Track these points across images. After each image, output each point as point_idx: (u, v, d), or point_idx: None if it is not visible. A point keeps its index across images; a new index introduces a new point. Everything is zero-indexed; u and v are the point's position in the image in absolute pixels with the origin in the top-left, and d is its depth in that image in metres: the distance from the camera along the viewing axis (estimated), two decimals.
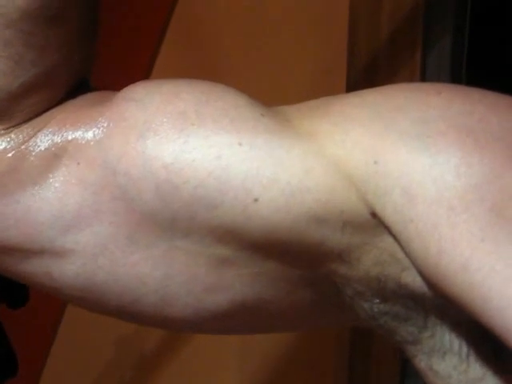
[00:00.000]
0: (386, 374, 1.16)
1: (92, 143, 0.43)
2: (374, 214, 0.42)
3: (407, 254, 0.42)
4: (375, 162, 0.41)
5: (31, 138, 0.44)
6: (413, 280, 0.43)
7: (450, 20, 1.11)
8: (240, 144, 0.42)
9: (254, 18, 1.26)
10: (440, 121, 0.41)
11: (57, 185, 0.43)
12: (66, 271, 0.45)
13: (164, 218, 0.43)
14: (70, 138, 0.44)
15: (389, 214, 0.41)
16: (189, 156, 0.42)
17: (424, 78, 1.12)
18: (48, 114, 0.44)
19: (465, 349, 0.44)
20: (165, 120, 0.42)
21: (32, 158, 0.43)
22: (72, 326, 1.49)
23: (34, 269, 0.45)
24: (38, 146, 0.43)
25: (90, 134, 0.43)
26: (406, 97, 0.43)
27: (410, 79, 1.12)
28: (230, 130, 0.42)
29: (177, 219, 0.43)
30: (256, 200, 0.42)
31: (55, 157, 0.43)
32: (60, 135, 0.44)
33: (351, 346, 1.18)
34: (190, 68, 1.29)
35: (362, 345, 1.18)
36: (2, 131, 0.44)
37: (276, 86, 1.24)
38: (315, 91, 1.20)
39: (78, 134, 0.44)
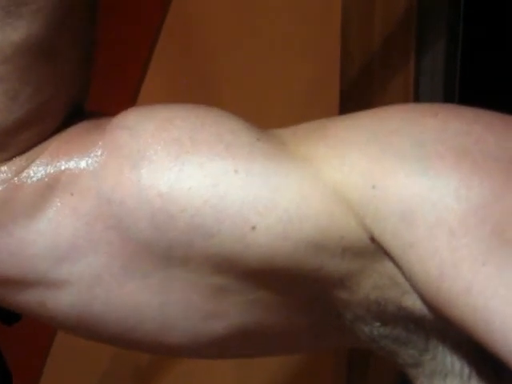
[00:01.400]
0: None
1: (85, 173, 0.43)
2: (373, 239, 0.41)
3: (407, 279, 0.41)
4: (373, 187, 0.40)
5: (24, 169, 0.43)
6: (413, 303, 0.42)
7: (443, 25, 1.10)
8: (236, 171, 0.41)
9: (246, 28, 1.26)
10: (438, 143, 0.40)
11: (50, 216, 0.43)
12: (62, 302, 0.44)
13: (160, 246, 0.42)
14: (63, 168, 0.43)
15: (388, 239, 0.40)
16: (184, 184, 0.41)
17: (418, 83, 1.12)
18: (41, 145, 0.44)
19: (466, 370, 0.43)
20: (159, 148, 0.42)
21: (25, 190, 0.43)
22: (67, 338, 1.48)
23: (28, 299, 0.45)
24: (31, 178, 0.43)
25: (83, 164, 0.43)
26: (402, 119, 0.42)
27: (404, 85, 1.12)
28: (225, 156, 0.41)
29: (173, 248, 0.42)
30: (253, 228, 0.41)
31: (48, 188, 0.43)
32: (53, 166, 0.43)
33: (349, 360, 1.18)
34: (180, 82, 1.28)
35: (360, 359, 1.17)
36: None
37: (269, 94, 1.24)
38: (308, 99, 1.20)
39: (71, 164, 0.43)
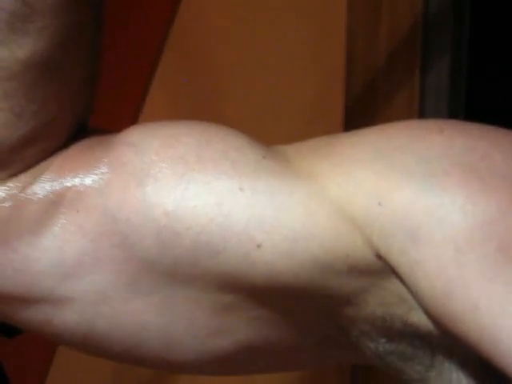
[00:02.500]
0: None
1: (91, 190, 0.43)
2: (379, 256, 0.41)
3: (414, 295, 0.41)
4: (379, 204, 0.40)
5: (29, 185, 0.43)
6: (419, 320, 0.42)
7: (448, 41, 1.10)
8: (241, 189, 0.41)
9: (250, 43, 1.26)
10: (444, 159, 0.40)
11: (55, 233, 0.43)
12: (67, 319, 0.44)
13: (165, 263, 0.42)
14: (68, 184, 0.43)
15: (395, 256, 0.40)
16: (190, 203, 0.41)
17: (423, 99, 1.12)
18: (46, 161, 0.43)
19: None
20: (164, 165, 0.42)
21: (30, 207, 0.43)
22: (68, 353, 1.48)
23: (33, 316, 0.44)
24: (36, 194, 0.43)
25: (88, 181, 0.43)
26: (408, 136, 0.42)
27: (409, 101, 1.12)
28: (231, 174, 0.42)
29: (179, 265, 0.42)
30: (259, 246, 0.41)
31: (53, 204, 0.43)
32: (58, 182, 0.43)
33: (352, 377, 1.17)
34: (183, 98, 1.28)
35: (362, 374, 1.17)
36: (0, 181, 0.43)
37: (273, 110, 1.24)
38: (313, 114, 1.20)
39: (77, 180, 0.43)
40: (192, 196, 0.41)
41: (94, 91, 0.46)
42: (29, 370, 1.51)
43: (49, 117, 0.42)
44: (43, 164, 0.43)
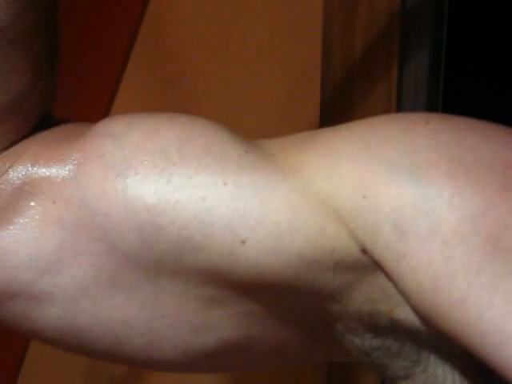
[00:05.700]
0: None
1: (67, 181, 0.42)
2: (364, 251, 0.40)
3: (400, 291, 0.40)
4: (364, 197, 0.40)
5: (2, 175, 0.42)
6: (405, 315, 0.42)
7: (426, 35, 1.10)
8: (225, 184, 0.40)
9: (224, 38, 1.25)
10: (430, 151, 0.40)
11: (33, 224, 0.42)
12: (47, 314, 0.43)
13: (148, 259, 0.41)
14: (43, 174, 0.42)
15: (380, 251, 0.40)
16: (172, 197, 0.40)
17: (401, 94, 1.12)
18: (17, 148, 0.43)
19: (458, 382, 0.43)
20: (145, 158, 0.41)
21: (5, 197, 0.42)
22: (41, 350, 1.47)
23: (12, 312, 0.43)
24: (11, 184, 0.42)
25: (64, 171, 0.42)
26: (394, 127, 0.41)
27: (386, 96, 1.12)
28: (214, 169, 0.41)
29: (162, 260, 0.41)
30: (243, 242, 0.40)
31: (30, 195, 0.42)
32: (33, 172, 0.42)
33: (328, 375, 1.17)
34: (155, 92, 1.28)
35: (339, 372, 1.17)
36: None
37: (247, 103, 1.23)
38: (289, 109, 1.20)
39: (53, 170, 0.42)
40: (174, 189, 0.40)
41: (56, 76, 0.45)
42: (0, 367, 1.50)
43: (13, 91, 0.41)
44: (15, 151, 0.42)
